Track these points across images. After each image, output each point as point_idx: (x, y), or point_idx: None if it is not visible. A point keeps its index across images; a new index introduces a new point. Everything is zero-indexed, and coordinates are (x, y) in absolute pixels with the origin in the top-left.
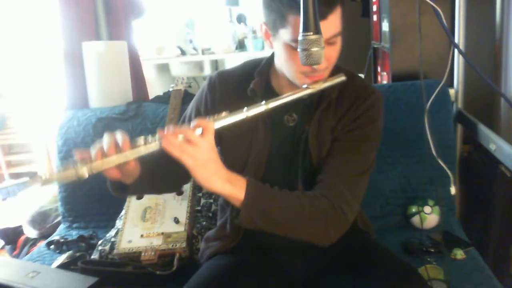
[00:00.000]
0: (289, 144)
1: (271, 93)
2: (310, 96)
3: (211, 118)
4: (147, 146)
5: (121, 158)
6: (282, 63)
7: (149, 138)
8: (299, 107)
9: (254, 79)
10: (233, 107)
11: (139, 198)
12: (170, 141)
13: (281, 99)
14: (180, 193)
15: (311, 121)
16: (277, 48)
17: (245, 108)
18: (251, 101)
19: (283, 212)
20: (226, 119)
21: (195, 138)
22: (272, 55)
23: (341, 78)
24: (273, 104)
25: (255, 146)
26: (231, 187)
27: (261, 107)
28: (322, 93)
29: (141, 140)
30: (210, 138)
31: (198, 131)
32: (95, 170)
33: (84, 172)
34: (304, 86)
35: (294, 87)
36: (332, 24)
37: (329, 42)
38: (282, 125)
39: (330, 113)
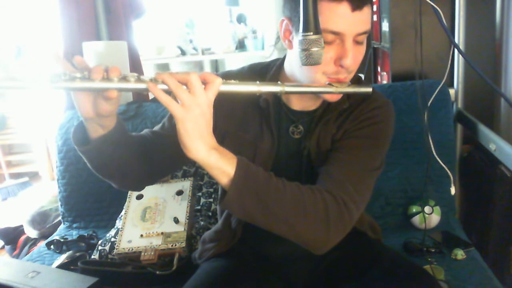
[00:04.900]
0: (294, 157)
1: (278, 104)
2: (318, 106)
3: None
4: (139, 81)
5: (106, 83)
6: (300, 66)
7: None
8: (305, 119)
9: None
10: (239, 115)
11: (139, 197)
12: (166, 78)
13: (300, 87)
14: (180, 192)
15: (312, 135)
16: (297, 45)
17: (258, 82)
18: (260, 111)
19: (279, 197)
20: (236, 86)
21: (197, 85)
22: (280, 61)
23: (368, 89)
24: (290, 88)
25: (259, 157)
26: (219, 157)
27: (277, 87)
28: (329, 105)
29: (133, 76)
30: (212, 94)
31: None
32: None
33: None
34: (327, 83)
35: (303, 99)
36: (366, 18)
37: (358, 41)
38: (288, 136)
39: (330, 122)
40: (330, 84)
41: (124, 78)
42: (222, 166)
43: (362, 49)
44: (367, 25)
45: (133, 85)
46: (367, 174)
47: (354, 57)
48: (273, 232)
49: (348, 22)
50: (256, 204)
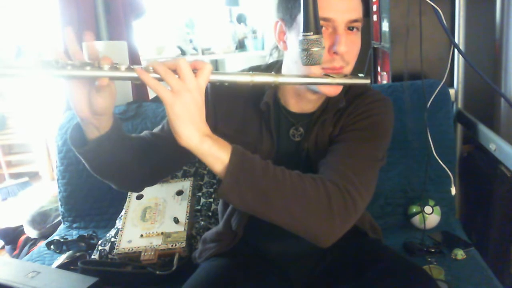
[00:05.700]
0: (294, 160)
1: (277, 106)
2: (317, 108)
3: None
4: (129, 70)
5: (97, 72)
6: (295, 62)
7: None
8: (304, 121)
9: (265, 90)
10: (239, 117)
11: (139, 198)
12: (155, 65)
13: (294, 78)
14: (180, 192)
15: (310, 136)
16: (292, 44)
17: (251, 72)
18: (260, 114)
19: (278, 184)
20: (229, 76)
21: (186, 70)
22: (281, 63)
23: (366, 80)
24: (283, 79)
25: None
26: (212, 144)
27: (270, 78)
28: (327, 106)
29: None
30: (203, 80)
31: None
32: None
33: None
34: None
35: (301, 101)
36: (355, 5)
37: (350, 28)
38: (288, 139)
39: (328, 121)
40: (326, 75)
41: (114, 67)
42: (216, 152)
43: (356, 39)
44: (358, 13)
45: (123, 73)
46: (369, 164)
47: (347, 44)
48: (275, 223)
49: (337, 8)
50: (253, 191)
